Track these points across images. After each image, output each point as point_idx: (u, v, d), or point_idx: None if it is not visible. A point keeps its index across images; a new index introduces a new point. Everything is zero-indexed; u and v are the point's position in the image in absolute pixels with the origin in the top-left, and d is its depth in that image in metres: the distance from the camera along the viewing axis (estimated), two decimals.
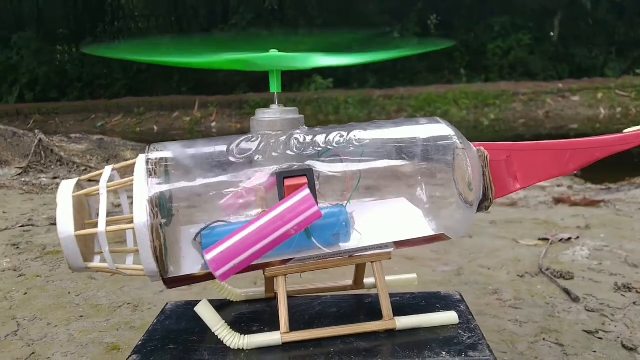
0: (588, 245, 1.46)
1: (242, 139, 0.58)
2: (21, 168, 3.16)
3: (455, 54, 9.27)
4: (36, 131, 3.55)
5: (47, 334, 1.05)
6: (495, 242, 1.54)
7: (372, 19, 9.90)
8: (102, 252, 0.55)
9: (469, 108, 7.55)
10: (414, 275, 0.75)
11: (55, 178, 3.00)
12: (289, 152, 0.57)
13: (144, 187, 0.53)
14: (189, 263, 0.55)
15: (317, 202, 0.54)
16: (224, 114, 8.14)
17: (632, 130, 0.67)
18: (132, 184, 0.54)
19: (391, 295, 0.68)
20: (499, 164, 0.65)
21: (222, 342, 0.57)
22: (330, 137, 0.59)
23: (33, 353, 0.98)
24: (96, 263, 0.57)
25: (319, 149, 0.58)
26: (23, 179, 2.93)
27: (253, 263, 0.52)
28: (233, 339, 0.56)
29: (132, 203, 0.54)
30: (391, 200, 0.60)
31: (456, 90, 7.96)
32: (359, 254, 0.60)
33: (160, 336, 0.61)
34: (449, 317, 0.62)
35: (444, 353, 0.55)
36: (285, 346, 0.57)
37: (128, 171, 0.57)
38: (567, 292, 1.15)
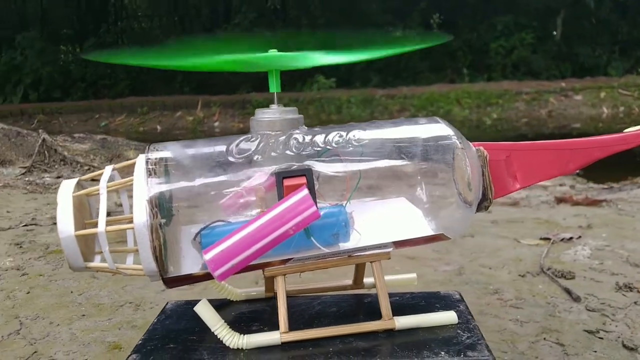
0: (589, 245, 1.46)
1: (241, 139, 0.58)
2: (25, 167, 3.17)
3: (458, 53, 9.26)
4: (40, 131, 3.56)
5: (50, 332, 1.05)
6: (496, 241, 1.54)
7: (374, 18, 9.90)
8: (102, 252, 0.56)
9: (471, 107, 7.55)
10: (414, 275, 0.75)
11: (58, 177, 3.01)
12: (288, 152, 0.57)
13: (144, 187, 0.53)
14: (189, 263, 0.56)
15: (316, 202, 0.54)
16: (227, 113, 8.15)
17: (633, 130, 0.67)
18: (132, 184, 0.55)
19: (391, 295, 0.68)
20: (499, 163, 0.65)
21: (222, 341, 0.57)
22: (330, 137, 0.59)
23: (35, 352, 0.98)
24: (96, 263, 0.57)
25: (318, 149, 0.58)
26: (27, 179, 2.94)
27: (252, 263, 0.52)
28: (232, 339, 0.56)
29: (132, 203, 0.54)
30: (391, 200, 0.60)
31: (459, 89, 7.96)
32: (358, 254, 0.60)
33: (160, 336, 0.61)
34: (448, 317, 0.62)
35: (442, 353, 0.55)
36: (285, 346, 0.57)
37: (129, 171, 0.58)
38: (568, 291, 1.15)
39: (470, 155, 0.61)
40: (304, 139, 0.58)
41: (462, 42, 9.35)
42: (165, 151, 0.57)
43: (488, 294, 1.16)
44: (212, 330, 0.57)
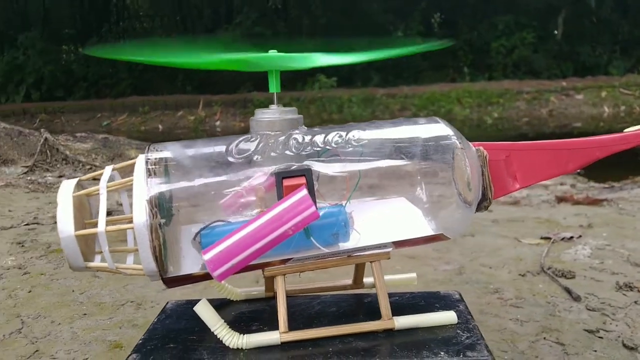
0: (590, 244, 1.46)
1: (241, 139, 0.58)
2: (27, 167, 3.18)
3: (459, 53, 9.26)
4: (42, 130, 3.57)
5: (51, 331, 1.06)
6: (497, 240, 1.54)
7: (375, 18, 9.90)
8: (102, 252, 0.56)
9: (472, 106, 7.54)
10: (414, 275, 0.75)
11: (60, 176, 3.02)
12: (287, 152, 0.57)
13: (143, 187, 0.53)
14: (189, 263, 0.56)
15: (315, 202, 0.54)
16: (228, 112, 8.15)
17: (633, 130, 0.67)
18: (132, 184, 0.55)
19: (390, 295, 0.69)
20: (498, 163, 0.65)
21: (221, 341, 0.57)
22: (329, 137, 0.59)
23: (37, 351, 0.98)
24: (96, 263, 0.57)
25: (318, 149, 0.58)
26: (29, 178, 2.95)
27: (252, 263, 0.52)
28: (232, 339, 0.57)
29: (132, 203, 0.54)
30: (391, 200, 0.60)
31: (460, 88, 7.95)
32: (358, 254, 0.60)
33: (160, 335, 0.61)
34: (448, 316, 0.62)
35: (442, 353, 0.55)
36: (284, 345, 0.57)
37: (129, 171, 0.58)
38: (568, 291, 1.15)
39: (469, 155, 0.61)
40: (303, 139, 0.58)
41: (463, 42, 9.34)
42: (165, 151, 0.57)
43: (488, 293, 1.16)
44: (212, 330, 0.57)
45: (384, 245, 0.60)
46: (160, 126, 8.27)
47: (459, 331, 0.60)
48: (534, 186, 2.36)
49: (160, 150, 0.57)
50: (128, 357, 0.56)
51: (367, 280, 0.72)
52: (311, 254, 0.58)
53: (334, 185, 0.58)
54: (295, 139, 0.58)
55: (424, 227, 0.61)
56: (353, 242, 0.59)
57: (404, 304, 0.68)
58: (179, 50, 0.63)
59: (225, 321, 0.58)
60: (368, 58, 0.65)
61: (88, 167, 3.30)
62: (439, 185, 0.60)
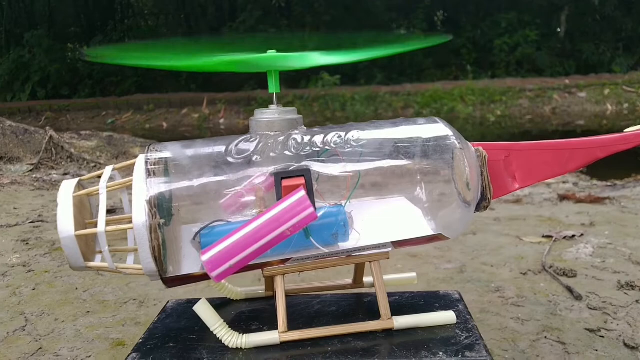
0: (592, 243, 1.46)
1: (240, 139, 0.58)
2: (32, 164, 3.19)
3: (462, 50, 9.23)
4: (47, 128, 3.58)
5: (55, 329, 1.06)
6: (498, 239, 1.54)
7: (378, 15, 9.88)
8: (102, 252, 0.56)
9: (475, 104, 7.52)
10: (414, 274, 0.75)
11: (65, 174, 3.03)
12: (287, 152, 0.58)
13: (143, 188, 0.54)
14: (188, 263, 0.56)
15: (314, 203, 0.54)
16: (232, 110, 8.16)
17: (633, 130, 0.67)
18: (132, 184, 0.55)
19: (390, 294, 0.69)
20: (498, 163, 0.65)
21: (221, 341, 0.57)
22: (328, 137, 0.59)
23: (40, 348, 0.99)
24: (97, 262, 0.58)
25: (317, 149, 0.58)
26: (34, 176, 2.96)
27: (251, 263, 0.52)
28: (231, 338, 0.57)
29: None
30: (390, 200, 0.61)
31: (462, 86, 7.93)
32: (357, 254, 0.60)
33: (160, 334, 0.62)
34: (447, 316, 0.62)
35: (441, 353, 0.55)
36: (283, 345, 0.58)
37: (130, 171, 0.58)
38: (569, 290, 1.15)
39: (469, 156, 0.61)
40: (302, 139, 0.59)
41: (466, 40, 9.32)
42: (165, 151, 0.58)
43: (490, 292, 1.17)
44: (211, 329, 0.57)
45: (383, 246, 0.61)
46: (164, 124, 8.28)
47: (458, 331, 0.60)
48: (537, 184, 2.35)
49: (160, 151, 0.58)
50: (128, 356, 0.57)
51: (367, 279, 0.72)
52: (310, 254, 0.59)
53: (334, 185, 0.59)
54: (294, 139, 0.59)
55: (423, 227, 0.61)
56: (352, 242, 0.59)
57: (403, 303, 0.68)
58: (177, 52, 0.64)
59: (225, 321, 0.58)
60: (366, 56, 0.65)
61: (93, 164, 3.31)
62: (439, 185, 0.60)
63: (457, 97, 7.62)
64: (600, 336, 0.96)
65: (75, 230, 0.55)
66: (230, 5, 11.14)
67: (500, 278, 1.24)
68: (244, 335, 0.58)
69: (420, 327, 0.61)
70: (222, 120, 8.05)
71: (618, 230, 1.59)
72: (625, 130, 0.68)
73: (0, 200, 2.28)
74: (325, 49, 0.63)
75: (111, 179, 0.60)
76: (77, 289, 1.26)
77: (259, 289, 0.74)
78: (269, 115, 0.60)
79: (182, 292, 1.14)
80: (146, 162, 0.56)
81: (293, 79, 8.21)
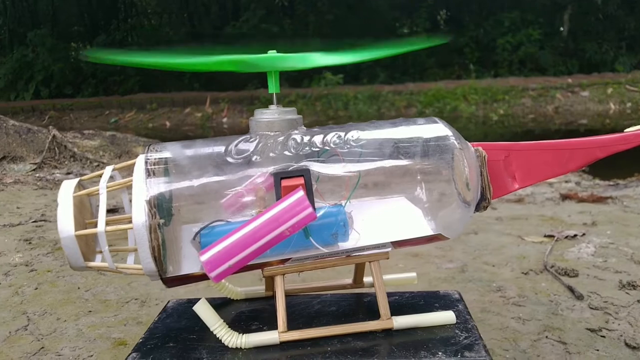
0: (594, 242, 1.46)
1: (240, 139, 0.59)
2: (35, 164, 3.20)
3: (465, 50, 9.22)
4: (50, 127, 3.59)
5: (57, 328, 1.07)
6: (500, 238, 1.54)
7: (382, 14, 9.88)
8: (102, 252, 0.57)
9: (478, 103, 7.51)
10: (414, 274, 0.75)
11: (68, 173, 3.04)
12: (286, 152, 0.58)
13: (143, 188, 0.54)
14: (188, 263, 0.57)
15: (313, 203, 0.54)
16: (235, 109, 8.17)
17: (633, 130, 0.67)
18: (132, 184, 0.55)
19: (390, 294, 0.69)
20: (497, 163, 0.65)
21: (221, 341, 0.58)
22: (328, 137, 0.59)
23: (42, 348, 0.99)
24: (97, 262, 0.58)
25: (317, 149, 0.58)
26: (37, 175, 2.97)
27: (250, 263, 0.53)
28: (231, 338, 0.57)
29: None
30: (391, 200, 0.61)
31: (465, 85, 7.91)
32: (357, 254, 0.61)
33: (160, 334, 0.62)
34: (447, 316, 0.62)
35: (440, 353, 0.55)
36: (283, 345, 0.58)
37: (130, 171, 0.58)
38: (571, 289, 1.15)
39: (468, 156, 0.61)
40: (302, 139, 0.59)
41: (468, 39, 9.30)
42: (165, 152, 0.58)
43: (491, 291, 1.17)
44: (211, 329, 0.58)
45: (383, 246, 0.61)
46: (167, 123, 8.29)
47: (457, 331, 0.60)
48: (539, 184, 2.35)
49: (160, 151, 0.58)
50: (128, 355, 0.57)
51: (368, 279, 0.72)
52: (310, 253, 0.59)
53: (334, 185, 0.59)
54: (294, 139, 0.59)
55: (422, 227, 0.62)
56: (352, 242, 0.59)
57: (403, 303, 0.68)
58: (177, 52, 0.64)
59: (225, 320, 0.59)
60: (366, 57, 0.65)
61: (96, 164, 3.32)
62: (438, 185, 0.60)
63: (460, 96, 7.61)
64: (602, 336, 0.96)
65: (76, 230, 0.55)
66: (233, 5, 11.14)
67: (502, 278, 1.24)
68: (244, 335, 0.58)
69: (419, 327, 0.61)
70: (225, 120, 8.06)
71: (620, 229, 1.59)
72: (625, 131, 0.67)
73: (3, 200, 2.29)
74: (326, 50, 0.63)
75: (112, 178, 0.60)
76: (79, 288, 1.26)
77: (259, 289, 0.74)
78: (269, 115, 0.60)
79: (183, 292, 1.14)
80: (146, 162, 0.56)
81: (296, 78, 8.21)
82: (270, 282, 0.70)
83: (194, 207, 0.57)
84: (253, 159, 0.57)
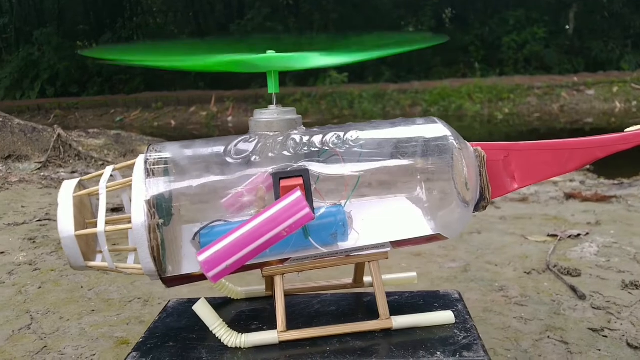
0: (597, 242, 1.46)
1: (239, 139, 0.59)
2: (40, 163, 3.21)
3: (470, 48, 9.20)
4: (55, 126, 3.61)
5: (60, 327, 1.07)
6: (503, 238, 1.54)
7: (386, 13, 9.86)
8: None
9: (483, 102, 7.49)
10: (414, 274, 0.76)
11: (73, 172, 3.05)
12: (285, 152, 0.58)
13: (142, 188, 0.54)
14: (188, 262, 0.57)
15: (312, 203, 0.55)
16: (240, 108, 8.18)
17: (633, 130, 0.67)
18: (131, 184, 0.56)
19: (390, 294, 0.69)
20: (497, 163, 0.65)
21: (220, 340, 0.58)
22: (327, 137, 0.59)
23: (45, 346, 1.00)
24: (97, 262, 0.58)
25: (316, 149, 0.58)
26: (42, 174, 2.98)
27: (250, 263, 0.53)
28: (230, 338, 0.57)
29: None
30: (390, 200, 0.61)
31: (470, 84, 7.89)
32: (356, 254, 0.61)
33: (160, 334, 0.62)
34: (446, 316, 0.62)
35: (438, 353, 0.55)
36: (282, 345, 0.58)
37: (131, 171, 0.59)
38: (573, 289, 1.14)
39: (467, 156, 0.61)
40: (301, 139, 0.59)
41: (474, 37, 9.28)
42: (164, 152, 0.58)
43: (493, 291, 1.16)
44: (211, 329, 0.58)
45: (382, 245, 0.61)
46: (172, 122, 8.31)
47: (456, 331, 0.60)
48: (543, 183, 2.34)
49: (160, 151, 0.58)
50: (128, 355, 0.57)
51: (368, 279, 0.72)
52: (309, 253, 0.59)
53: (333, 185, 0.59)
54: (293, 139, 0.59)
55: (422, 227, 0.62)
56: (351, 242, 0.59)
57: (403, 303, 0.69)
58: (178, 52, 0.64)
59: (225, 320, 0.59)
60: (365, 57, 0.65)
61: (100, 163, 3.33)
62: (438, 185, 0.61)
63: (465, 95, 7.59)
64: (604, 336, 0.96)
65: (76, 230, 0.55)
66: (238, 3, 11.15)
67: (504, 277, 1.24)
68: (243, 334, 0.58)
69: (418, 326, 0.61)
70: (230, 118, 8.07)
71: (624, 229, 1.58)
72: (625, 130, 0.67)
73: (8, 199, 2.30)
74: (325, 50, 0.63)
75: (112, 178, 0.60)
76: (82, 287, 1.27)
77: (260, 289, 0.74)
78: (268, 115, 0.60)
79: (186, 292, 1.14)
80: (145, 162, 0.56)
81: (301, 77, 8.21)
82: (270, 281, 0.70)
83: (193, 207, 0.57)
84: (252, 159, 0.57)
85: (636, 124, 0.68)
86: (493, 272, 1.27)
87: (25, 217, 1.94)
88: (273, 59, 0.60)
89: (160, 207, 0.54)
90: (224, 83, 8.78)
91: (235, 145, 0.58)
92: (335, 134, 0.60)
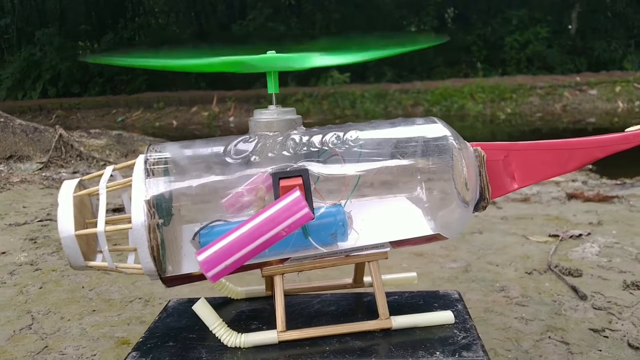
0: (598, 242, 1.45)
1: (239, 139, 0.59)
2: (42, 163, 3.22)
3: (472, 48, 9.18)
4: (56, 126, 3.61)
5: (60, 327, 1.07)
6: (505, 238, 1.54)
7: (389, 13, 9.86)
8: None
9: (485, 102, 7.48)
10: (414, 274, 0.75)
11: (75, 173, 3.05)
12: (285, 152, 0.58)
13: (142, 188, 0.54)
14: (187, 262, 0.57)
15: (311, 203, 0.55)
16: (242, 108, 8.18)
17: (633, 130, 0.66)
18: (131, 184, 0.56)
19: (390, 294, 0.69)
20: (497, 163, 0.65)
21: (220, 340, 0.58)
22: (326, 137, 0.59)
23: (46, 346, 1.00)
24: (97, 262, 0.59)
25: (315, 149, 0.58)
26: (44, 174, 2.99)
27: (249, 262, 0.53)
28: (230, 337, 0.57)
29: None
30: (390, 200, 0.61)
31: (473, 84, 7.87)
32: (356, 254, 0.61)
33: (160, 333, 0.62)
34: (445, 316, 0.62)
35: (437, 353, 0.55)
36: (282, 344, 0.58)
37: (131, 171, 0.59)
38: (574, 289, 1.14)
39: (467, 156, 0.61)
40: (301, 139, 0.59)
41: (476, 37, 9.27)
42: (164, 152, 0.58)
43: (494, 291, 1.16)
44: (210, 329, 0.58)
45: (381, 245, 0.61)
46: (174, 122, 8.31)
47: (455, 331, 0.60)
48: (545, 183, 2.34)
49: (159, 151, 0.58)
50: (128, 355, 0.57)
51: (368, 279, 0.72)
52: (309, 253, 0.59)
53: (333, 185, 0.59)
54: (293, 139, 0.59)
55: (421, 227, 0.62)
56: (351, 242, 0.59)
57: (402, 303, 0.68)
58: (177, 53, 0.64)
59: (225, 320, 0.59)
60: (365, 58, 0.65)
61: (102, 163, 3.33)
62: (437, 185, 0.61)
63: (467, 95, 7.57)
64: (604, 336, 0.96)
65: (76, 230, 0.55)
66: (240, 3, 11.15)
67: (505, 277, 1.24)
68: (243, 334, 0.58)
69: (418, 326, 0.61)
70: (231, 119, 8.07)
71: (625, 229, 1.58)
72: (626, 130, 0.67)
73: (9, 199, 2.30)
74: (325, 50, 0.63)
75: (112, 178, 0.61)
76: (83, 287, 1.27)
77: (260, 289, 0.74)
78: (268, 115, 0.60)
79: (187, 291, 1.14)
80: (145, 162, 0.56)
81: (302, 77, 8.20)
82: (269, 281, 0.70)
83: (193, 207, 0.57)
84: (252, 159, 0.57)
85: (637, 124, 0.68)
86: (494, 273, 1.27)
87: (26, 218, 1.95)
88: (272, 59, 0.60)
89: (160, 207, 0.54)
90: (226, 83, 8.78)
91: (235, 145, 0.58)
92: (335, 134, 0.60)
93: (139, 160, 0.57)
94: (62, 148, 3.40)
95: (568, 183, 2.44)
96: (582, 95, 7.52)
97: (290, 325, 0.59)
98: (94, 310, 1.14)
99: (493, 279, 1.23)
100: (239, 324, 0.64)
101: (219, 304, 0.71)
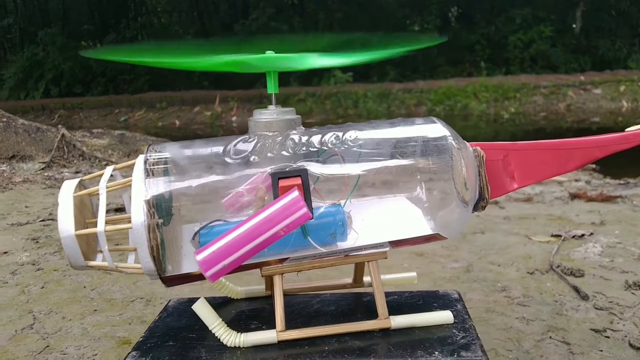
0: (601, 242, 1.45)
1: (238, 139, 0.59)
2: (44, 163, 3.22)
3: (476, 47, 9.17)
4: (59, 126, 3.62)
5: (62, 327, 1.08)
6: (507, 238, 1.53)
7: (391, 12, 9.85)
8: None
9: (488, 101, 7.46)
10: (414, 274, 0.75)
11: (77, 172, 3.06)
12: (284, 152, 0.58)
13: (142, 188, 0.54)
14: (187, 262, 0.57)
15: (310, 203, 0.55)
16: (245, 108, 8.18)
17: (633, 129, 0.66)
18: (131, 184, 0.56)
19: (389, 294, 0.69)
20: (496, 163, 0.65)
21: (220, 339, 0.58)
22: (326, 137, 0.59)
23: (47, 346, 1.00)
24: (97, 262, 0.59)
25: (315, 149, 0.58)
26: (46, 174, 2.99)
27: (249, 262, 0.53)
28: (229, 337, 0.58)
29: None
30: (390, 199, 0.61)
31: (476, 83, 7.86)
32: (355, 254, 0.61)
33: (160, 333, 0.62)
34: (444, 316, 0.62)
35: (436, 352, 0.55)
36: (281, 344, 0.58)
37: (131, 171, 0.59)
38: (576, 289, 1.14)
39: (466, 155, 0.61)
40: (300, 139, 0.59)
41: (480, 36, 9.25)
42: (164, 152, 0.58)
43: (495, 291, 1.16)
44: (210, 328, 0.58)
45: (381, 245, 0.61)
46: (177, 122, 8.32)
47: (454, 331, 0.60)
48: (548, 182, 2.34)
49: (159, 151, 0.58)
50: (128, 354, 0.57)
51: (368, 279, 0.72)
52: (308, 253, 0.59)
53: (333, 185, 0.59)
54: (292, 139, 0.59)
55: (420, 227, 0.62)
56: (350, 241, 0.59)
57: (402, 303, 0.68)
58: (178, 51, 0.64)
59: (225, 319, 0.59)
60: (365, 58, 0.65)
61: (104, 163, 3.34)
62: (437, 185, 0.61)
63: (471, 94, 7.56)
64: (606, 336, 0.96)
65: (76, 229, 0.56)
66: (243, 3, 11.16)
67: (507, 277, 1.24)
68: (242, 334, 0.58)
69: (417, 326, 0.61)
70: (234, 118, 8.08)
71: (628, 229, 1.58)
72: (626, 130, 0.67)
73: (12, 199, 2.31)
74: (324, 50, 0.63)
75: (112, 178, 0.61)
76: (85, 287, 1.27)
77: (260, 288, 0.74)
78: (267, 115, 0.61)
79: (187, 291, 1.15)
80: (145, 162, 0.56)
81: (305, 77, 8.20)
82: (269, 281, 0.70)
83: (193, 207, 0.57)
84: (251, 159, 0.57)
85: (637, 124, 0.68)
86: (496, 273, 1.27)
87: (28, 217, 1.95)
88: (272, 60, 0.60)
89: (160, 207, 0.54)
90: (228, 83, 8.79)
91: (235, 146, 0.58)
92: (334, 134, 0.60)
93: (139, 160, 0.57)
94: (65, 148, 3.40)
95: (571, 183, 2.43)
96: (586, 95, 7.50)
97: (289, 325, 0.59)
98: (96, 310, 1.15)
99: (495, 279, 1.23)
100: (238, 323, 0.64)
101: (219, 304, 0.71)
